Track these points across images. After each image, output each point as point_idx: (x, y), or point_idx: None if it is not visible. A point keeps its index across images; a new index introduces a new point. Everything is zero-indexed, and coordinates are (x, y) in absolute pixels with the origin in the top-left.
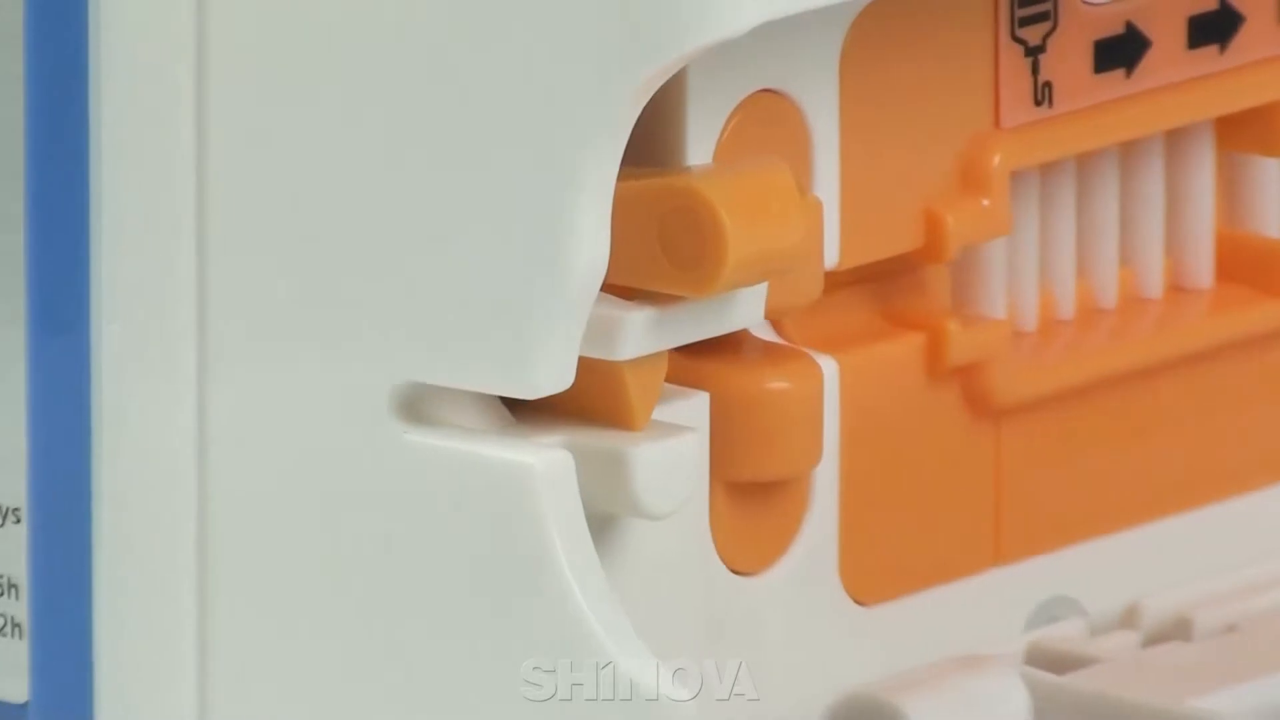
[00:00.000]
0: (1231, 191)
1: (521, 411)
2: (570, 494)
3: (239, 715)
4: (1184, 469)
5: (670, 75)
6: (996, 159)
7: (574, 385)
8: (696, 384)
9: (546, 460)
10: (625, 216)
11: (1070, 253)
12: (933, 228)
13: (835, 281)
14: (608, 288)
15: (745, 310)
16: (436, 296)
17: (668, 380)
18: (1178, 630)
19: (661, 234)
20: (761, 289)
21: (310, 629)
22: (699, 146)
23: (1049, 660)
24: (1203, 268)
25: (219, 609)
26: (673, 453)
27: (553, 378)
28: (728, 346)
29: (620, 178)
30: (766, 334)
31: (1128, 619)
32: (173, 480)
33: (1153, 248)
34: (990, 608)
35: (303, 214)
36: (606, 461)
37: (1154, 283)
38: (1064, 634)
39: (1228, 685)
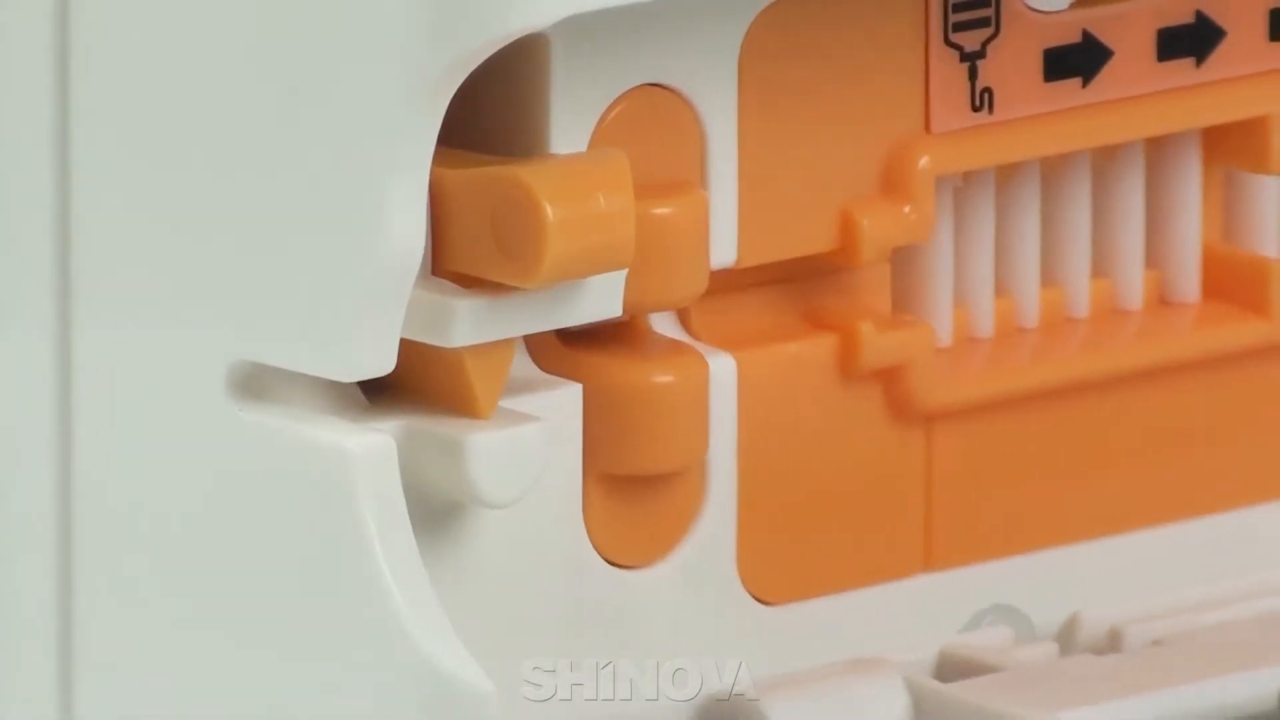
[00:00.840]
0: (1223, 207)
1: (378, 397)
2: (389, 479)
3: (99, 675)
4: (1133, 486)
5: (477, 63)
6: (921, 163)
7: (424, 372)
8: (578, 375)
9: (365, 445)
10: (462, 205)
11: (1030, 262)
12: (848, 230)
13: (750, 280)
14: (452, 275)
15: (598, 303)
16: (266, 279)
17: (550, 371)
18: (1109, 643)
19: (493, 223)
20: (617, 282)
21: (163, 602)
22: (567, 137)
23: (958, 667)
24: (1184, 283)
25: (79, 581)
26: (513, 442)
27: (373, 361)
28: (615, 339)
29: (465, 164)
30: (673, 329)
31: (1063, 630)
32: (31, 451)
33: (1127, 260)
34: (922, 614)
35: (150, 195)
36: (446, 448)
37: (1129, 296)
38: (984, 642)
39: (1114, 698)
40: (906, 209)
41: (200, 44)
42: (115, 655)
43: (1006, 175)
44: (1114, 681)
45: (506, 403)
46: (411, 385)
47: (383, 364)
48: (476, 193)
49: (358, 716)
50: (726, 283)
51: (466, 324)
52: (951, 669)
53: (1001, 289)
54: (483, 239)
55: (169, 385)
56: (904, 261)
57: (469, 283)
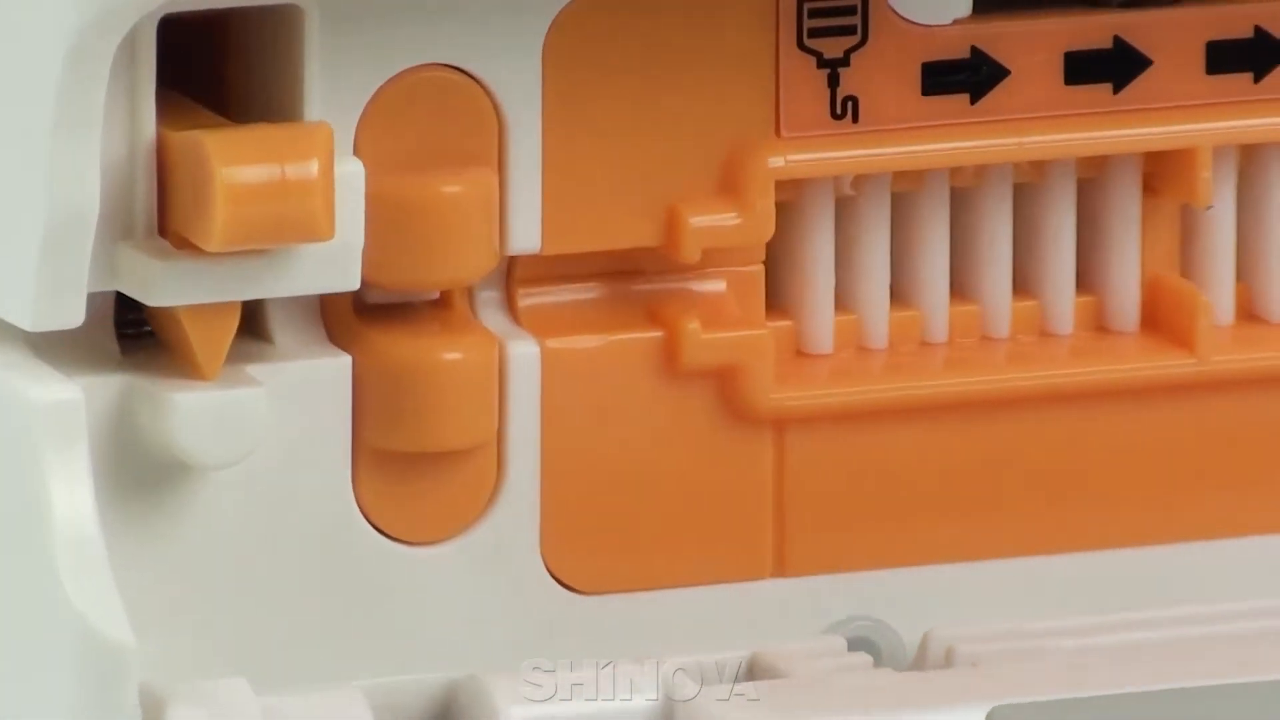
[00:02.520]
0: (1169, 237)
1: (138, 354)
2: (73, 433)
3: None
4: (1000, 513)
5: (127, 27)
6: (762, 165)
7: (165, 332)
8: (362, 348)
9: (51, 397)
10: (174, 167)
11: (929, 275)
12: (673, 226)
13: (587, 271)
14: (175, 236)
15: (326, 275)
16: None
17: (338, 342)
18: (945, 662)
19: (191, 186)
20: (350, 254)
21: None
22: (328, 109)
23: (764, 673)
24: (1119, 311)
25: None
26: (224, 404)
27: (58, 313)
28: (413, 316)
29: (188, 127)
30: (497, 313)
31: (917, 647)
32: None
33: (1053, 283)
34: (769, 619)
35: None
36: (156, 406)
37: (1057, 319)
38: (787, 650)
39: (868, 712)
40: (740, 210)
41: None
42: None
43: (906, 185)
44: (888, 695)
45: (264, 368)
46: (165, 344)
47: (70, 317)
48: (180, 155)
49: (24, 664)
50: (562, 273)
51: (166, 285)
52: (761, 674)
53: (904, 302)
54: (188, 201)
55: None
56: (786, 267)
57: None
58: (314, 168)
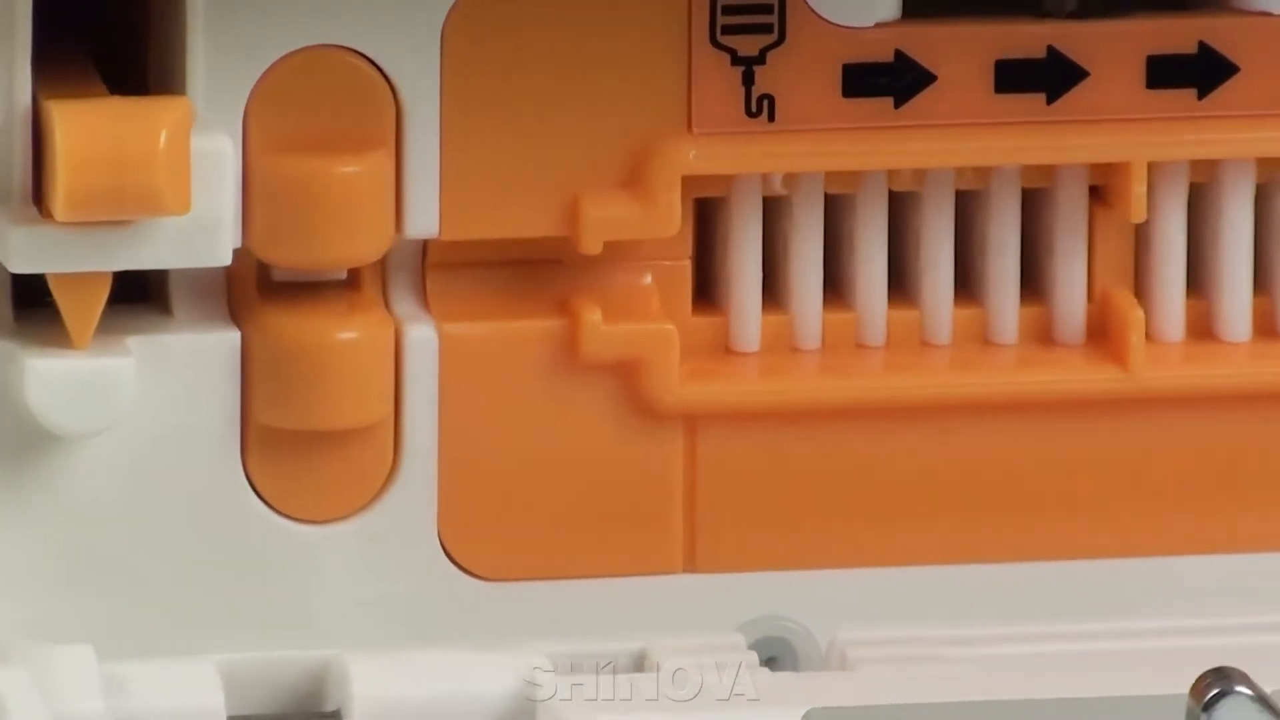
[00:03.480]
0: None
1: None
2: None
3: None
4: (915, 520)
5: None
6: (668, 160)
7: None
8: (258, 325)
9: None
10: (45, 137)
11: (865, 277)
12: (573, 217)
13: (504, 257)
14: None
15: (189, 249)
16: None
17: (240, 317)
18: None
19: (49, 155)
20: (218, 230)
21: None
22: (210, 83)
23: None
24: (1063, 322)
25: None
26: (82, 372)
27: None
28: (311, 294)
29: (64, 98)
30: (408, 296)
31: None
32: None
33: (995, 291)
34: (678, 613)
35: None
36: (18, 372)
37: (1000, 329)
38: (674, 645)
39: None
40: (643, 204)
41: None
42: None
43: (840, 185)
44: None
45: (150, 340)
46: None
47: None
48: (47, 124)
49: None
50: (477, 258)
51: (27, 252)
52: (646, 668)
53: (845, 304)
54: (49, 171)
55: None
56: (716, 264)
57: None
58: (159, 141)
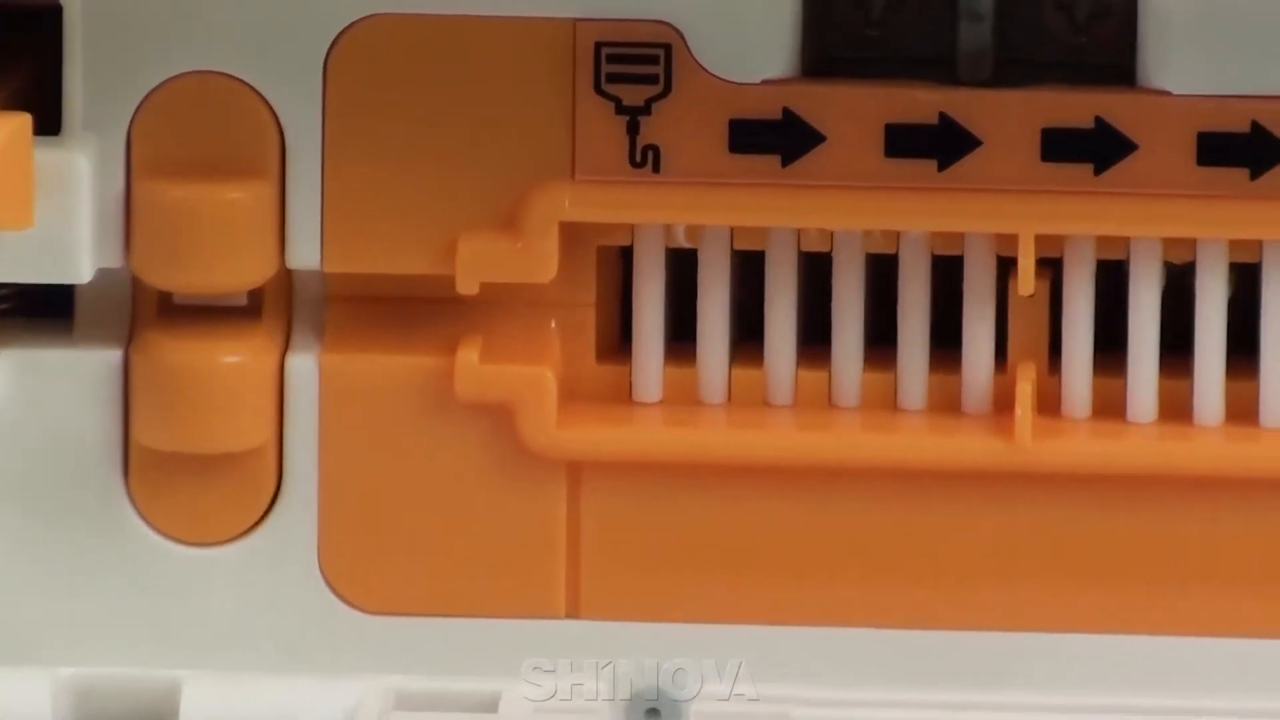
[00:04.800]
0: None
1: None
2: None
3: None
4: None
5: None
6: (546, 205)
7: None
8: (140, 345)
9: None
10: None
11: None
12: (450, 258)
13: (408, 292)
14: None
15: (37, 267)
16: None
17: (139, 340)
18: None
19: None
20: (69, 248)
21: None
22: (91, 106)
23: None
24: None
25: None
26: None
27: None
28: (205, 317)
29: None
30: (309, 324)
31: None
32: None
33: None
34: (557, 657)
35: None
36: None
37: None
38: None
39: None
40: (520, 247)
41: None
42: None
43: (747, 241)
44: None
45: (30, 354)
46: None
47: None
48: None
49: None
50: (378, 292)
51: None
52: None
53: (748, 359)
54: None
55: None
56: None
57: None
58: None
